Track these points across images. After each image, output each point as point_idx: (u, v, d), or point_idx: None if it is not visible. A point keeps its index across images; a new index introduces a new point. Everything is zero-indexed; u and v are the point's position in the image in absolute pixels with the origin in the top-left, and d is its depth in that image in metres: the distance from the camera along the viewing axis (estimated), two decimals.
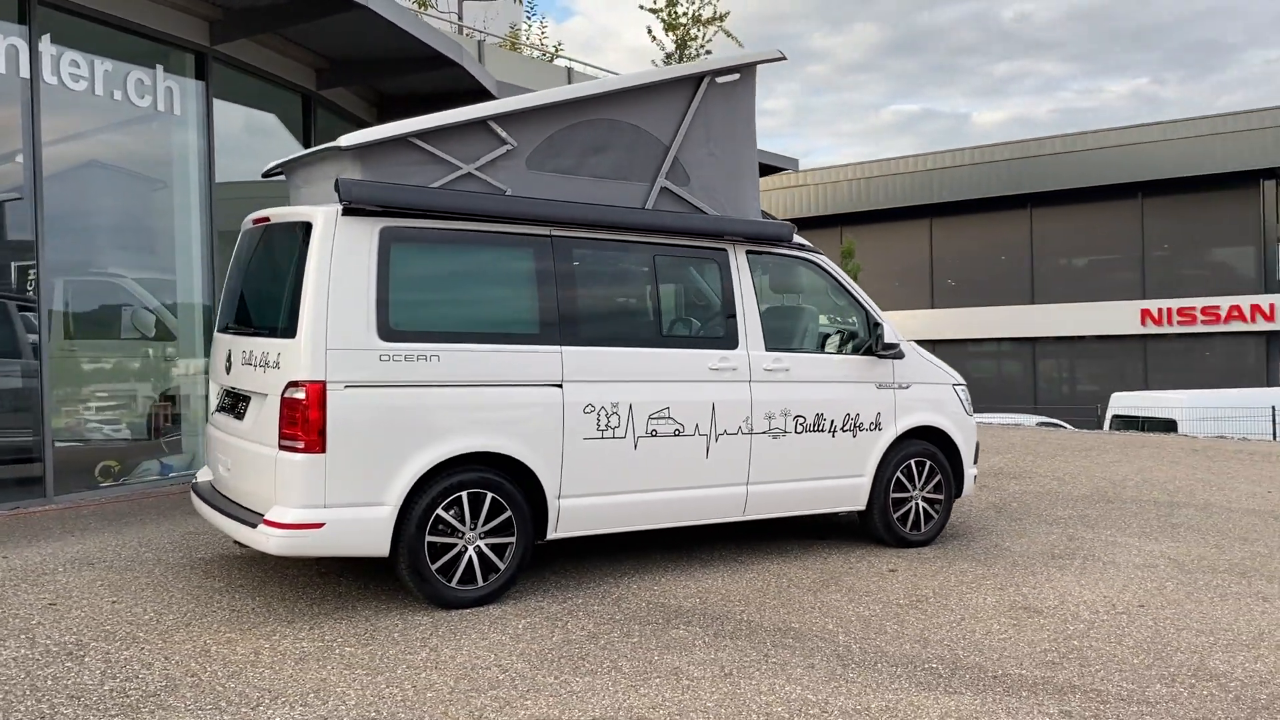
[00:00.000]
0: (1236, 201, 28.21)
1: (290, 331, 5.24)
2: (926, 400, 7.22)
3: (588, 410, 5.85)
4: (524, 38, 21.25)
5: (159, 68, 9.41)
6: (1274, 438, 17.94)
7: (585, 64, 17.62)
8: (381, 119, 13.06)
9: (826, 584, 6.16)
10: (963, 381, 7.59)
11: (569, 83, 16.38)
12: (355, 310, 5.25)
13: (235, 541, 6.50)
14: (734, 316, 6.48)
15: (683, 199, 6.46)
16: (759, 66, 6.81)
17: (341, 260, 5.26)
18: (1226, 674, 4.73)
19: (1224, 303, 27.96)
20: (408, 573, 5.38)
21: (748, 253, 6.63)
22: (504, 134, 5.81)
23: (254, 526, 5.22)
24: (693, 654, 4.86)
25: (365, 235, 5.34)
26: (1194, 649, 5.07)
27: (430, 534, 5.40)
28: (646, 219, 6.20)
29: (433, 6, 19.13)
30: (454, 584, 5.48)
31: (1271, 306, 27.38)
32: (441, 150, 5.64)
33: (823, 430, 6.72)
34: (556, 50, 20.62)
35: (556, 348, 5.80)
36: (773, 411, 6.50)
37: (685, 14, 19.55)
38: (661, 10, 19.83)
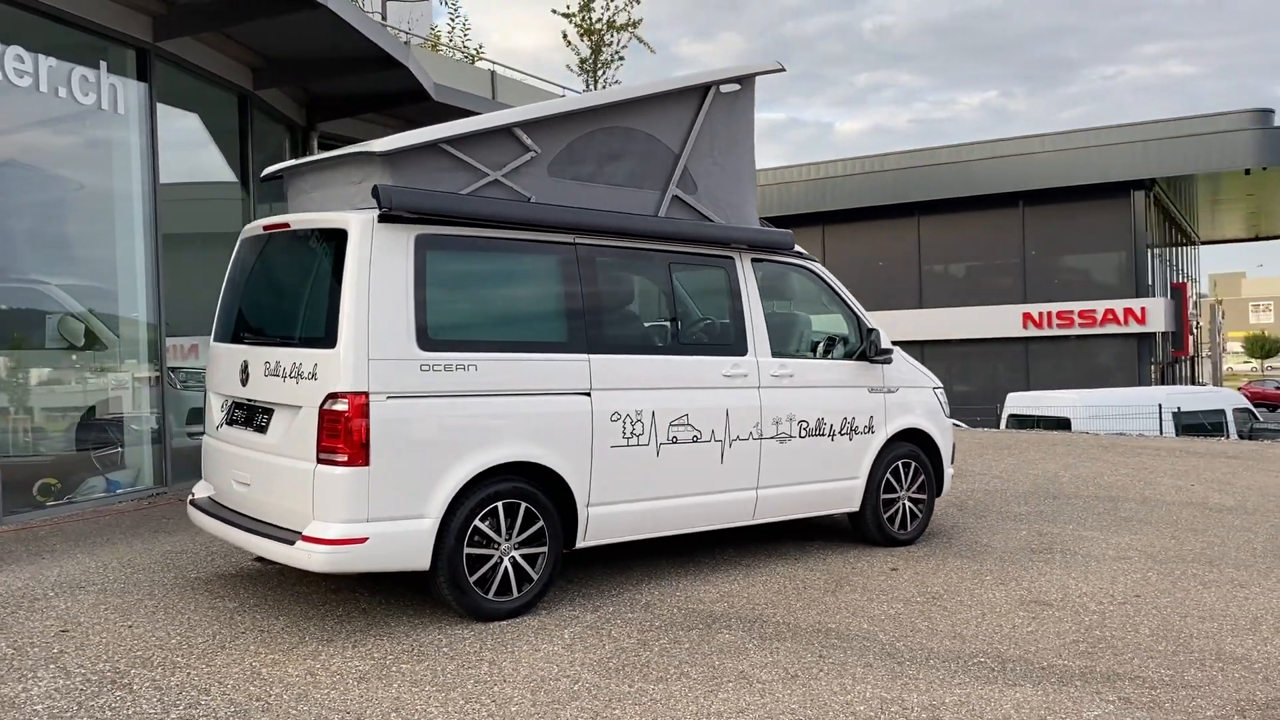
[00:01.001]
0: (1110, 211, 29.87)
1: (328, 341, 5.09)
2: (912, 403, 7.46)
3: (614, 418, 5.86)
4: (445, 39, 21.02)
5: (103, 64, 8.97)
6: (1160, 433, 19.05)
7: (508, 67, 17.48)
8: (311, 120, 12.75)
9: (840, 585, 6.31)
10: (940, 385, 7.87)
11: (493, 85, 16.27)
12: (395, 319, 5.15)
13: (256, 559, 6.32)
14: (743, 323, 6.57)
15: (692, 207, 6.53)
16: (757, 77, 6.93)
17: (380, 268, 5.14)
18: (1245, 657, 5.04)
19: (1099, 306, 29.56)
20: (447, 585, 5.28)
21: (752, 260, 6.74)
22: (528, 141, 5.77)
23: (291, 544, 5.05)
24: (750, 657, 4.92)
25: (402, 242, 5.24)
26: (1205, 634, 5.39)
27: (468, 545, 5.33)
28: (665, 227, 6.25)
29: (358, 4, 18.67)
30: (491, 595, 5.42)
31: (1143, 310, 29.08)
32: (470, 157, 5.58)
33: (823, 434, 6.88)
34: (478, 52, 20.45)
35: (584, 356, 5.79)
36: (779, 417, 6.62)
37: (600, 20, 19.61)
38: (575, 15, 19.84)
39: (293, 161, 6.18)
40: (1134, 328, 29.25)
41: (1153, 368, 29.91)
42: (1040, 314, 30.22)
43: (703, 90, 6.55)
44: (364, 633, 5.22)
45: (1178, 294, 32.90)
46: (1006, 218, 31.16)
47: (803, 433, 6.75)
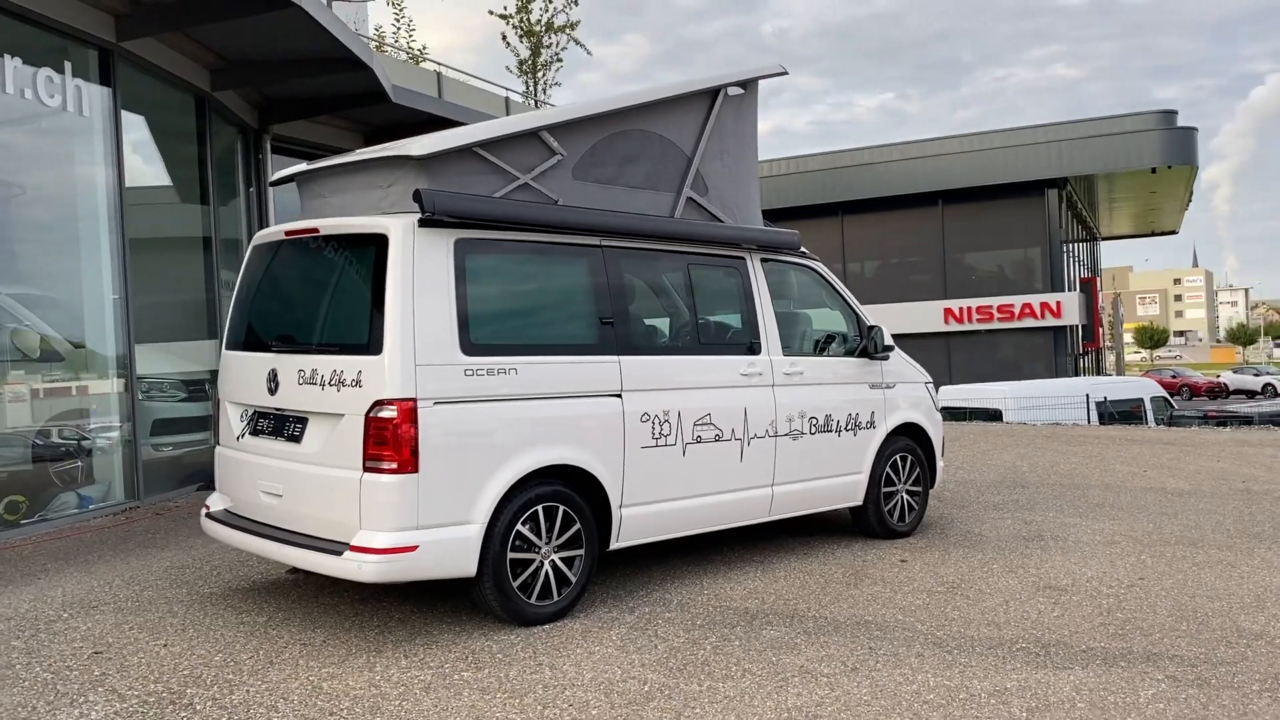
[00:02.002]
0: (1026, 208, 30.87)
1: (372, 348, 5.02)
2: (908, 399, 7.65)
3: (644, 419, 5.89)
4: (390, 39, 20.69)
5: (68, 66, 8.65)
6: (1088, 422, 19.76)
7: (453, 69, 17.30)
8: (263, 122, 12.46)
9: (859, 578, 6.44)
10: (931, 380, 8.08)
11: (439, 86, 16.09)
12: (439, 325, 5.10)
13: (290, 571, 6.18)
14: (756, 323, 6.66)
15: (704, 208, 6.59)
16: (761, 81, 7.03)
17: (422, 273, 5.09)
18: (1264, 633, 5.30)
19: (1017, 301, 30.55)
20: (491, 591, 5.25)
21: (761, 260, 6.83)
22: (555, 144, 5.77)
23: (338, 554, 4.96)
24: (804, 652, 5.00)
25: (443, 247, 5.19)
26: (1219, 613, 5.65)
27: (510, 550, 5.30)
28: (686, 228, 6.30)
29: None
30: (533, 600, 5.40)
31: (1058, 304, 30.12)
32: (501, 160, 5.55)
33: (831, 430, 7.01)
34: (422, 53, 20.19)
35: (615, 357, 5.81)
36: (792, 414, 6.73)
37: (539, 21, 19.55)
38: (512, 16, 19.75)
39: (306, 165, 6.06)
40: (1050, 321, 30.29)
41: (1069, 360, 31.01)
42: (961, 309, 31.09)
43: (712, 94, 6.62)
44: (410, 642, 5.15)
45: (1088, 288, 34.16)
46: (926, 216, 31.98)
47: (813, 429, 6.87)
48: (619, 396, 5.79)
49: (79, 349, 9.32)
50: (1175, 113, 30.41)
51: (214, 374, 10.94)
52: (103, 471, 9.13)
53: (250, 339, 5.92)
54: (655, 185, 6.33)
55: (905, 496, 7.59)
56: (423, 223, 5.15)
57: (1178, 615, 5.61)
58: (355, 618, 5.57)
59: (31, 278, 9.12)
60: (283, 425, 5.51)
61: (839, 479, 7.12)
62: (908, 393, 7.67)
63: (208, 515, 5.99)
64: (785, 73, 7.14)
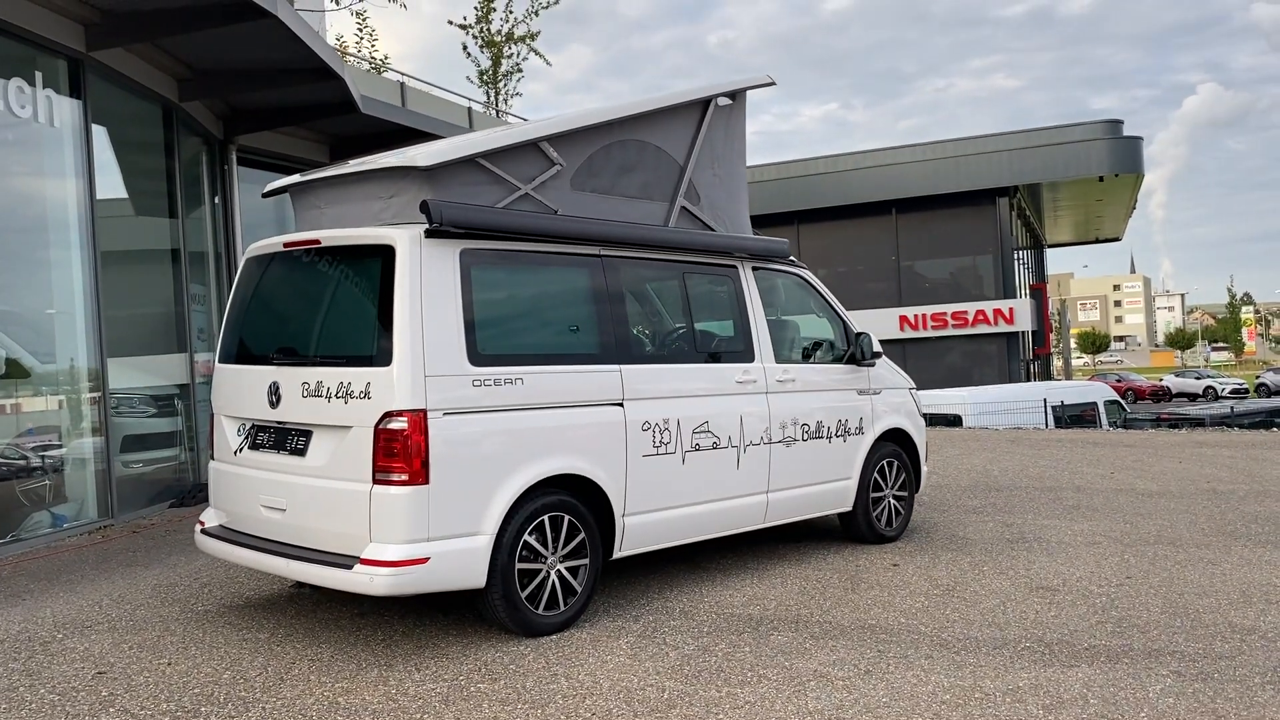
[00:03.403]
0: (977, 217, 31.39)
1: (381, 360, 4.99)
2: (893, 405, 7.75)
3: (645, 428, 5.91)
4: (354, 48, 20.50)
5: (38, 76, 8.49)
6: (1046, 426, 20.12)
7: (416, 79, 17.18)
8: (229, 133, 12.30)
9: (855, 583, 6.50)
10: (914, 386, 8.19)
11: (402, 95, 16.00)
12: (447, 336, 5.08)
13: (295, 585, 6.10)
14: (749, 331, 6.72)
15: (697, 217, 6.64)
16: (749, 92, 7.10)
17: (430, 284, 5.07)
18: (1255, 628, 5.45)
19: (970, 308, 31.02)
20: (500, 602, 5.23)
21: (753, 269, 6.90)
22: (554, 154, 5.78)
23: (348, 568, 4.91)
24: (816, 656, 5.05)
25: (449, 258, 5.18)
26: (1209, 609, 5.79)
27: (518, 561, 5.29)
28: (683, 238, 6.35)
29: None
30: (540, 610, 5.39)
31: (1010, 310, 30.64)
32: (502, 170, 5.55)
33: (822, 437, 7.08)
34: (385, 63, 20.01)
35: (616, 366, 5.83)
36: (785, 421, 6.79)
37: (499, 32, 19.52)
38: (473, 27, 19.70)
39: (299, 177, 6.01)
40: (1003, 327, 30.81)
41: (1021, 365, 31.55)
42: (916, 316, 31.51)
43: (703, 104, 6.68)
44: (419, 655, 5.12)
45: (1038, 294, 34.82)
46: (880, 225, 32.39)
47: (804, 436, 6.94)
48: (620, 405, 5.81)
49: (48, 364, 9.13)
50: (1121, 122, 31.13)
51: (183, 388, 10.79)
52: (75, 489, 8.94)
53: (247, 352, 5.84)
54: (650, 195, 6.37)
55: (892, 501, 7.68)
56: (429, 233, 5.13)
57: (1170, 612, 5.74)
58: (360, 632, 5.51)
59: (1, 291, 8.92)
60: (285, 438, 5.45)
61: (830, 485, 7.19)
62: (893, 399, 7.77)
63: (203, 531, 5.89)
64: (773, 83, 7.23)
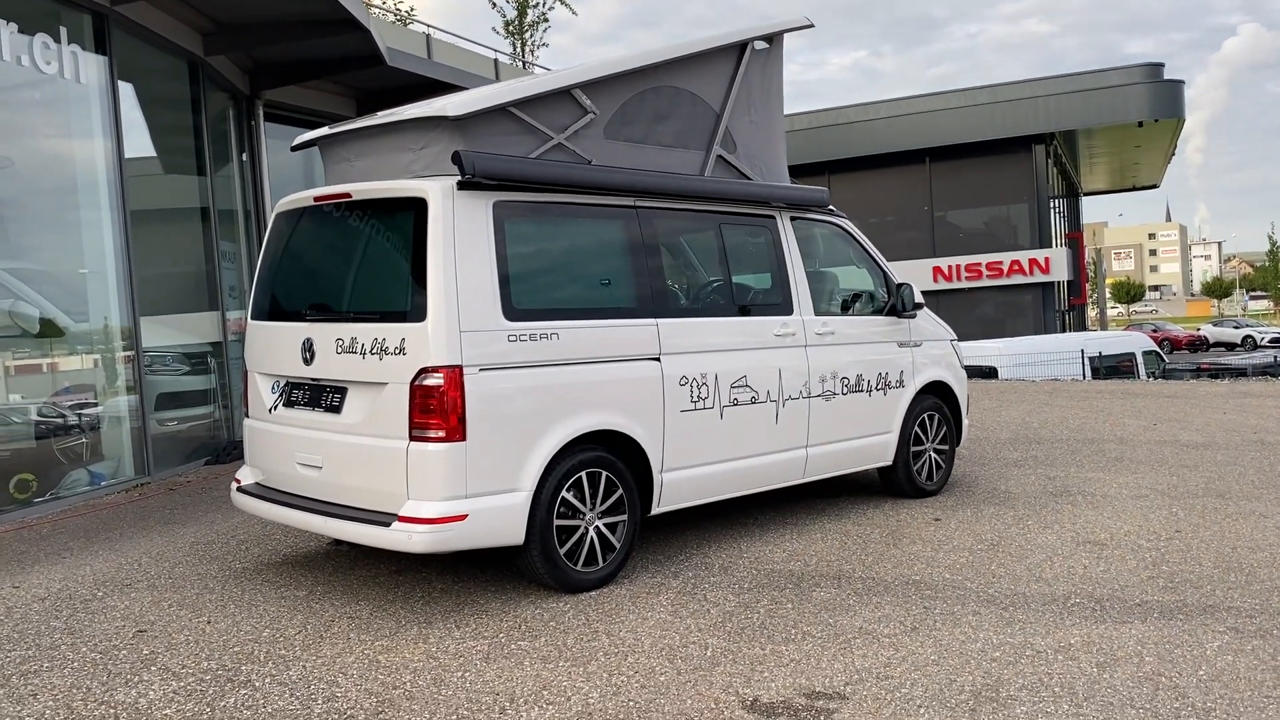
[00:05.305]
0: (1013, 165, 30.82)
1: (415, 315, 4.89)
2: (935, 356, 7.59)
3: (683, 382, 5.80)
4: (378, 1, 20.26)
5: (63, 30, 8.38)
6: (1084, 377, 19.83)
7: (442, 30, 16.98)
8: (255, 88, 12.18)
9: (897, 538, 6.39)
10: (955, 337, 8.02)
11: (428, 47, 15.81)
12: (482, 290, 4.97)
13: (333, 543, 6.09)
14: (788, 283, 6.57)
15: (733, 166, 6.48)
16: (785, 35, 6.89)
17: (463, 237, 4.95)
18: None
19: (1005, 258, 30.56)
20: (539, 558, 5.17)
21: (791, 219, 6.73)
22: (587, 102, 5.63)
23: (386, 525, 4.86)
24: (860, 614, 4.96)
25: (482, 210, 5.06)
26: (1262, 564, 5.64)
27: (556, 517, 5.23)
28: (720, 187, 6.19)
29: None
30: (579, 567, 5.33)
31: (1046, 260, 30.16)
32: (534, 119, 5.41)
33: (862, 390, 6.94)
34: (410, 14, 19.73)
35: (653, 320, 5.71)
36: (825, 374, 6.65)
37: None
38: None
39: (328, 130, 5.88)
40: (1039, 277, 30.34)
41: (1056, 316, 31.12)
42: (950, 267, 31.09)
43: (740, 48, 6.48)
44: (458, 612, 5.08)
45: (1074, 244, 34.25)
46: (914, 174, 31.89)
47: (844, 389, 6.80)
48: (657, 360, 5.70)
49: (81, 323, 9.12)
50: (1162, 65, 30.37)
51: (216, 346, 10.79)
52: (111, 447, 8.97)
53: (279, 308, 5.77)
54: (685, 143, 6.21)
55: (933, 455, 7.55)
56: (461, 185, 5.01)
57: (1223, 567, 5.60)
58: (397, 589, 5.48)
59: (29, 252, 8.89)
60: (320, 395, 5.39)
61: (870, 439, 7.06)
62: (934, 350, 7.61)
63: (239, 489, 5.86)
64: (811, 25, 7.01)
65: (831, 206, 7.09)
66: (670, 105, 6.09)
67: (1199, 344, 55.00)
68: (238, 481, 5.93)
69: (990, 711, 3.83)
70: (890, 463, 7.28)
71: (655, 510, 5.76)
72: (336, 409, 5.27)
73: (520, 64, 18.92)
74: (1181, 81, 30.84)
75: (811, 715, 3.84)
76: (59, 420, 8.84)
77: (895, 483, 7.40)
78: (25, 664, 4.53)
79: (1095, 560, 5.78)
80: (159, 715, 3.95)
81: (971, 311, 31.26)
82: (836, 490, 7.77)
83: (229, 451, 9.95)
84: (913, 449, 7.38)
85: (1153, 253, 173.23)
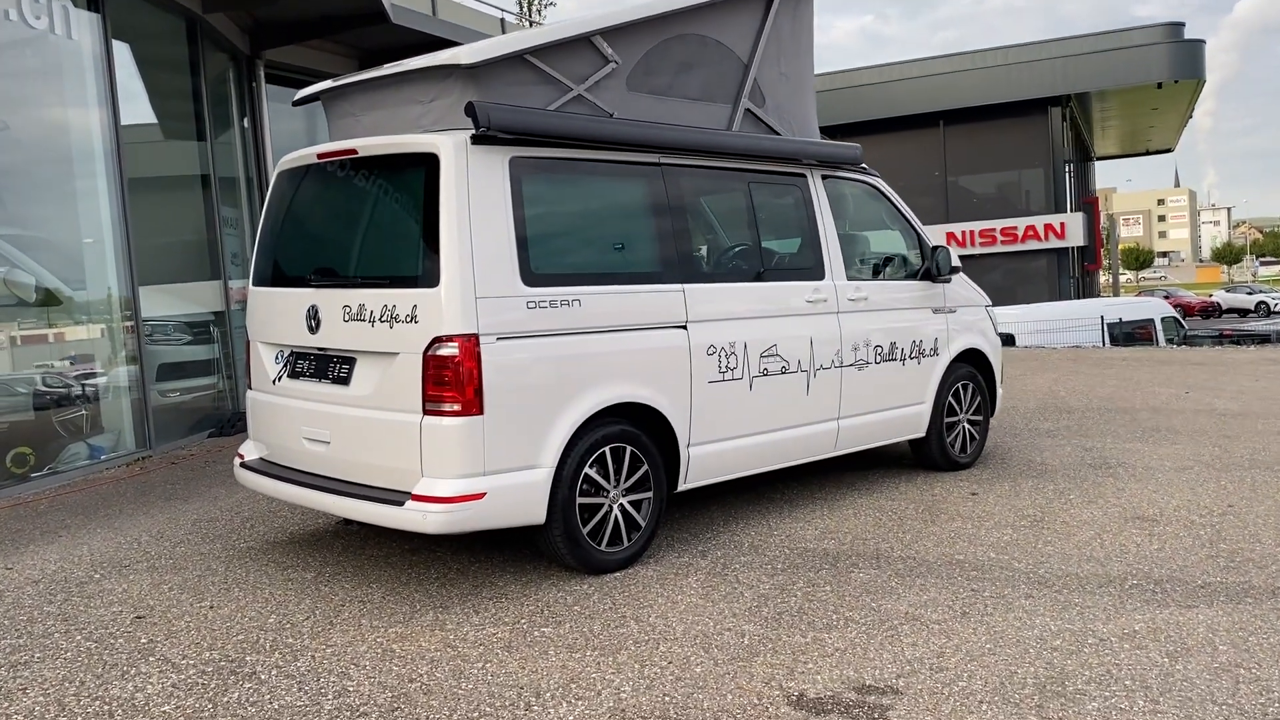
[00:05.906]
0: (1028, 128, 30.25)
1: (427, 280, 4.55)
2: (969, 323, 7.24)
3: (710, 352, 5.46)
4: None
5: None
6: (1103, 344, 19.46)
7: None
8: (255, 48, 11.76)
9: (934, 514, 6.08)
10: (991, 302, 7.67)
11: (433, 4, 15.32)
12: (498, 253, 4.63)
13: (342, 521, 5.81)
14: (819, 246, 6.21)
15: (762, 121, 6.11)
16: None
17: (478, 196, 4.60)
18: None
19: (1020, 223, 30.05)
20: (561, 539, 4.86)
21: (822, 177, 6.36)
22: (609, 51, 5.25)
23: (399, 504, 4.55)
24: (903, 597, 4.65)
25: (497, 166, 4.70)
26: None
27: (579, 495, 4.91)
28: (750, 144, 5.83)
29: None
30: (603, 546, 5.02)
31: (1062, 225, 29.68)
32: (553, 69, 5.04)
33: (895, 359, 6.60)
34: None
35: (679, 286, 5.36)
36: (857, 343, 6.31)
37: None
38: None
39: (332, 82, 5.52)
40: (1054, 243, 29.86)
41: (1071, 282, 30.67)
42: (964, 233, 30.59)
43: None
44: (476, 596, 4.78)
45: (1089, 209, 33.69)
46: (926, 138, 31.32)
47: (877, 358, 6.47)
48: (684, 328, 5.36)
49: (79, 292, 8.80)
50: (1183, 24, 29.68)
51: (219, 315, 10.46)
52: (111, 419, 8.67)
53: (282, 273, 5.43)
54: (711, 96, 5.84)
55: (967, 426, 7.22)
56: (475, 140, 4.65)
57: None
58: (411, 570, 5.18)
59: (24, 219, 8.54)
60: (327, 366, 5.06)
61: (903, 410, 6.73)
62: (968, 317, 7.26)
63: (242, 465, 5.56)
64: None
65: (864, 165, 6.71)
66: (696, 55, 5.71)
67: (1212, 310, 54.44)
68: (241, 456, 5.62)
69: (1059, 707, 3.52)
70: (923, 434, 6.95)
71: (682, 487, 5.45)
72: (344, 380, 4.94)
73: (527, 24, 18.44)
74: (1202, 41, 30.16)
75: (864, 712, 3.54)
76: (58, 391, 8.54)
77: (928, 455, 7.08)
78: (15, 654, 4.24)
79: (1147, 538, 5.46)
80: (157, 712, 3.65)
81: (984, 278, 30.75)
82: (865, 463, 7.45)
83: (233, 423, 9.65)
84: (946, 420, 7.05)
85: (1161, 218, 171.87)
